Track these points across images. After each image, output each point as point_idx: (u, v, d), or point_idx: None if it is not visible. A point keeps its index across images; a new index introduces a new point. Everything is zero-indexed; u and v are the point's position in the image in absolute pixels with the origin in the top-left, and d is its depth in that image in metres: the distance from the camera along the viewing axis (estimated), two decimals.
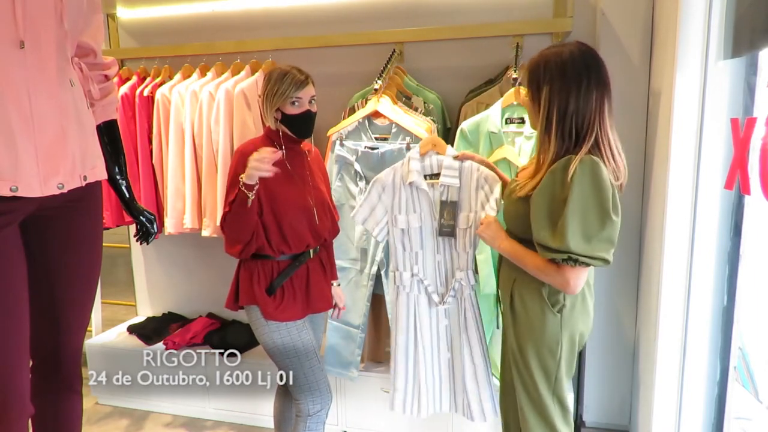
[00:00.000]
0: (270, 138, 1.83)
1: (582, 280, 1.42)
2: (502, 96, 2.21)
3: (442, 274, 1.92)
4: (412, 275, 1.92)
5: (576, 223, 1.35)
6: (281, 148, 1.78)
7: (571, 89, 1.40)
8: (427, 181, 1.88)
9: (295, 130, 1.80)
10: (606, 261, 1.39)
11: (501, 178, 1.82)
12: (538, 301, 1.50)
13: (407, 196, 1.90)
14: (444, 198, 1.86)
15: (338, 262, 2.10)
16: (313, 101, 1.79)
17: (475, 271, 1.93)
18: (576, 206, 1.35)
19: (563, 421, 1.59)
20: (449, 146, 1.90)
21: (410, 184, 1.88)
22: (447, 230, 1.85)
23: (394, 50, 2.42)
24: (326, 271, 1.96)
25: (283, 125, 1.79)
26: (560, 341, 1.50)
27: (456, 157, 1.85)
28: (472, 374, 1.92)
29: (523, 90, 1.75)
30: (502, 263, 1.68)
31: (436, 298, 1.91)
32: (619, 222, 1.39)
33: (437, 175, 1.88)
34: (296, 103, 1.75)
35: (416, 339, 1.94)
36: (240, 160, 1.76)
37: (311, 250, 1.87)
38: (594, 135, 1.40)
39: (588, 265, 1.39)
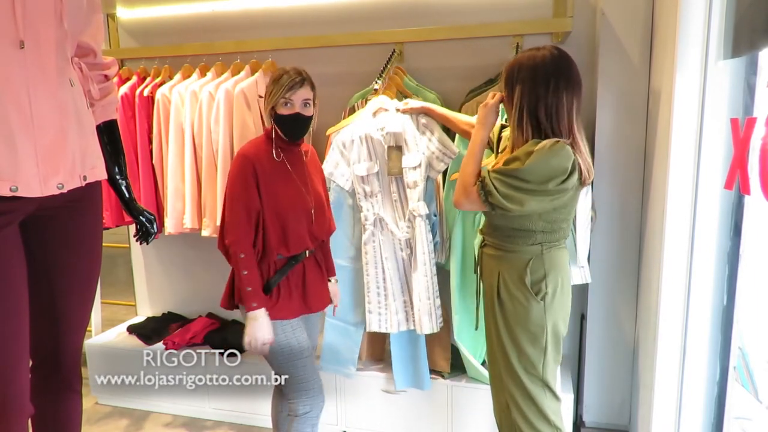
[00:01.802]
0: (269, 138, 1.82)
1: (468, 201, 1.60)
2: None
3: (398, 209, 2.25)
4: (374, 214, 2.23)
5: (518, 172, 1.49)
6: (278, 149, 1.80)
7: (539, 90, 1.51)
8: (378, 132, 2.21)
9: (284, 131, 1.79)
10: (505, 209, 1.53)
11: (437, 115, 2.14)
12: (522, 290, 1.60)
13: (365, 147, 2.23)
14: (391, 144, 2.19)
15: (336, 261, 2.14)
16: (308, 104, 1.76)
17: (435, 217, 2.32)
18: (528, 166, 1.48)
19: (552, 408, 1.65)
20: (394, 100, 2.26)
21: (365, 136, 2.21)
22: (394, 170, 2.20)
23: (394, 50, 2.42)
24: (322, 270, 1.96)
25: (276, 125, 1.78)
26: (545, 327, 1.60)
27: (399, 110, 2.19)
28: (420, 292, 2.21)
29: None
30: (483, 259, 1.75)
31: (395, 229, 2.23)
32: (543, 199, 1.51)
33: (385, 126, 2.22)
34: (288, 104, 1.73)
35: (384, 270, 2.27)
36: (243, 163, 1.75)
37: (307, 251, 1.87)
38: (572, 134, 1.53)
39: (485, 193, 1.54)
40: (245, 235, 1.75)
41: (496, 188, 1.52)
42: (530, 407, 1.65)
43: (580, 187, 1.58)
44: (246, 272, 1.73)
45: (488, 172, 1.57)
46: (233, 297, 1.84)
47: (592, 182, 1.86)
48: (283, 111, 1.74)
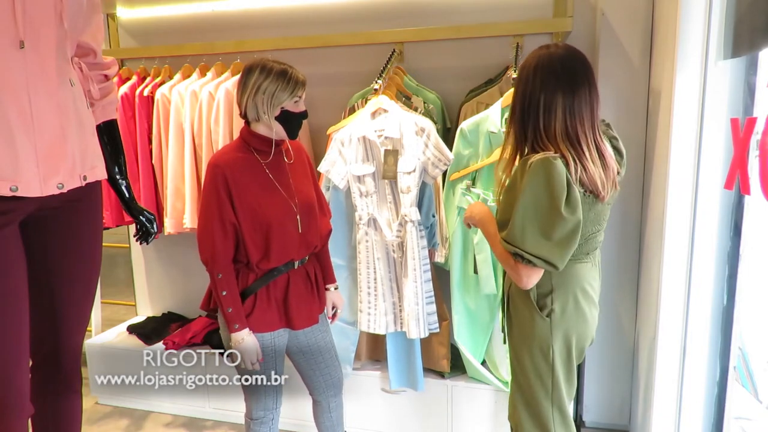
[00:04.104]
0: (248, 143, 1.69)
1: (533, 277, 1.42)
2: (502, 96, 2.21)
3: (392, 211, 2.25)
4: (368, 213, 2.24)
5: (526, 220, 1.36)
6: (258, 153, 1.69)
7: (536, 85, 1.38)
8: (376, 134, 2.21)
9: (290, 129, 1.69)
10: (552, 265, 1.37)
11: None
12: (528, 306, 1.49)
13: (362, 147, 2.24)
14: (388, 147, 2.20)
15: (334, 260, 2.09)
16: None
17: (434, 217, 2.29)
18: (526, 204, 1.35)
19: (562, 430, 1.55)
20: (393, 102, 2.24)
21: (363, 137, 2.21)
22: (389, 174, 2.20)
23: (393, 50, 2.42)
24: (312, 283, 1.82)
25: (280, 123, 1.67)
26: (551, 345, 1.48)
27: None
28: (409, 298, 2.21)
29: None
30: (505, 273, 1.63)
31: (387, 232, 2.24)
32: (572, 220, 1.34)
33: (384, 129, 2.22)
34: (298, 102, 1.68)
35: (375, 270, 2.28)
36: (213, 174, 1.64)
37: (296, 262, 1.76)
38: (571, 143, 1.37)
39: (534, 264, 1.38)
40: (222, 252, 1.64)
41: (536, 256, 1.37)
42: (535, 429, 1.54)
43: (598, 201, 1.41)
44: (225, 293, 1.65)
45: (508, 243, 1.40)
46: (211, 300, 1.77)
47: None
48: (295, 108, 1.67)
